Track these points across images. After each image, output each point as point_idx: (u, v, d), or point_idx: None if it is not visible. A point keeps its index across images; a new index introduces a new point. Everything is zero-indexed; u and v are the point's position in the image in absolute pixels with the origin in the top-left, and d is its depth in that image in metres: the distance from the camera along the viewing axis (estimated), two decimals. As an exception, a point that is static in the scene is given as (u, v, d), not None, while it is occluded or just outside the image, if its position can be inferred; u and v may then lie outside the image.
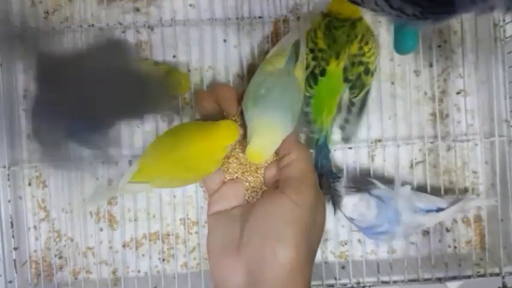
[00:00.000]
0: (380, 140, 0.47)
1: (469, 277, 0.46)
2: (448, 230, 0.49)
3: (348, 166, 0.48)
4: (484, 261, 0.46)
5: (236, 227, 0.36)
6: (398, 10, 0.25)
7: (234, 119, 0.39)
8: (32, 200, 0.48)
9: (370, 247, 0.49)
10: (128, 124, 0.46)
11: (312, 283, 0.36)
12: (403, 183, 0.44)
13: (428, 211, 0.44)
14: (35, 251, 0.48)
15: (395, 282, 0.46)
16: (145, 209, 0.48)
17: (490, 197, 0.47)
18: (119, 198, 0.48)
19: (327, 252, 0.49)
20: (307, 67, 0.42)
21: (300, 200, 0.35)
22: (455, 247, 0.49)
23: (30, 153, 0.48)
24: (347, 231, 0.49)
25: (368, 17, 0.44)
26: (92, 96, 0.34)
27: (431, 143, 0.48)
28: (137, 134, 0.48)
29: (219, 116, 0.40)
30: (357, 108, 0.43)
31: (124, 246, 0.49)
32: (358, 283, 0.46)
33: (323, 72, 0.41)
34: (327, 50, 0.41)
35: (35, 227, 0.48)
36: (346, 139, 0.45)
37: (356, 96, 0.43)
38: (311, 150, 0.42)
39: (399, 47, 0.34)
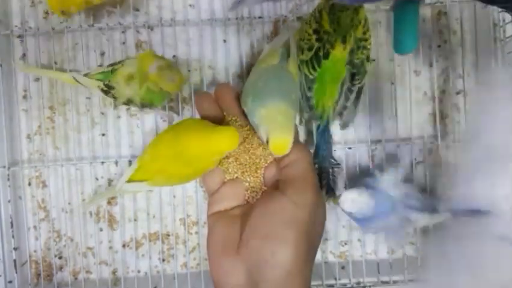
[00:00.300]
0: (380, 140, 0.47)
1: (469, 277, 0.46)
2: (447, 230, 0.49)
3: (348, 166, 0.48)
4: (484, 261, 0.46)
5: (236, 227, 0.36)
6: None
7: (234, 118, 0.39)
8: (32, 200, 0.48)
9: (370, 247, 0.49)
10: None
11: (312, 283, 0.36)
12: (402, 180, 0.44)
13: (422, 210, 0.44)
14: (35, 251, 0.49)
15: (395, 282, 0.46)
16: (145, 209, 0.48)
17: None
18: (119, 198, 0.48)
19: (327, 252, 0.49)
20: (310, 48, 0.41)
21: (300, 201, 0.35)
22: (455, 247, 0.49)
23: (30, 153, 0.48)
24: (347, 231, 0.49)
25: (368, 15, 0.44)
26: None
27: (431, 143, 0.48)
28: (137, 134, 0.48)
29: (219, 116, 0.40)
30: (355, 95, 0.43)
31: (124, 246, 0.49)
32: (358, 283, 0.46)
33: (327, 55, 0.41)
34: (332, 33, 0.41)
35: (35, 227, 0.48)
36: (344, 125, 0.45)
37: (359, 83, 0.42)
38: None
39: (399, 47, 0.34)
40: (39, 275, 0.48)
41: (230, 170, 0.39)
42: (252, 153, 0.38)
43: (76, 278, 0.49)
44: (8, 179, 0.46)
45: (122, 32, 0.47)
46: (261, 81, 0.38)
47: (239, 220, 0.36)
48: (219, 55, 0.48)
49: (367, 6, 0.43)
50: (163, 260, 0.49)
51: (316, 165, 0.43)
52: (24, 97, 0.48)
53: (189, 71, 0.48)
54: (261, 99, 0.36)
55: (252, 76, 0.40)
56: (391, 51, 0.39)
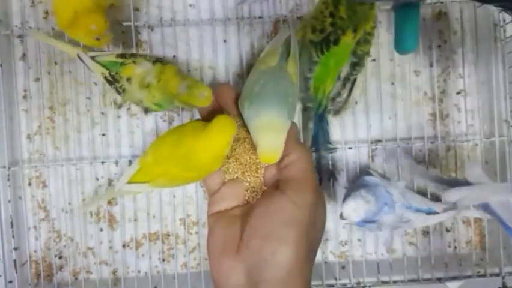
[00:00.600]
0: (380, 140, 0.47)
1: (469, 277, 0.46)
2: (447, 230, 0.49)
3: (348, 166, 0.48)
4: (484, 261, 0.46)
5: (236, 227, 0.36)
6: None
7: (234, 118, 0.39)
8: (32, 200, 0.48)
9: (370, 247, 0.49)
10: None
11: (312, 283, 0.36)
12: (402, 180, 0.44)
13: (420, 211, 0.44)
14: (35, 251, 0.49)
15: (395, 282, 0.46)
16: (145, 209, 0.48)
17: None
18: (119, 199, 0.48)
19: (327, 252, 0.49)
20: (322, 31, 0.42)
21: (300, 201, 0.35)
22: (455, 247, 0.49)
23: (30, 153, 0.48)
24: (347, 231, 0.49)
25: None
26: None
27: (431, 143, 0.48)
28: (137, 134, 0.48)
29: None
30: (351, 84, 0.44)
31: (124, 246, 0.49)
32: (358, 283, 0.46)
33: (336, 41, 0.42)
34: (346, 20, 0.41)
35: (35, 227, 0.48)
36: (334, 111, 0.46)
37: (356, 74, 0.44)
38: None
39: (399, 47, 0.34)
40: (39, 275, 0.48)
41: (230, 170, 0.39)
42: (252, 154, 0.38)
43: (76, 278, 0.49)
44: (8, 179, 0.46)
45: (123, 32, 0.47)
46: (258, 85, 0.38)
47: (239, 220, 0.36)
48: (219, 55, 0.48)
49: (379, 4, 0.45)
50: (163, 260, 0.49)
51: (314, 154, 0.44)
52: (25, 97, 0.48)
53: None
54: (257, 106, 0.36)
55: (251, 77, 0.40)
56: (391, 51, 0.40)
